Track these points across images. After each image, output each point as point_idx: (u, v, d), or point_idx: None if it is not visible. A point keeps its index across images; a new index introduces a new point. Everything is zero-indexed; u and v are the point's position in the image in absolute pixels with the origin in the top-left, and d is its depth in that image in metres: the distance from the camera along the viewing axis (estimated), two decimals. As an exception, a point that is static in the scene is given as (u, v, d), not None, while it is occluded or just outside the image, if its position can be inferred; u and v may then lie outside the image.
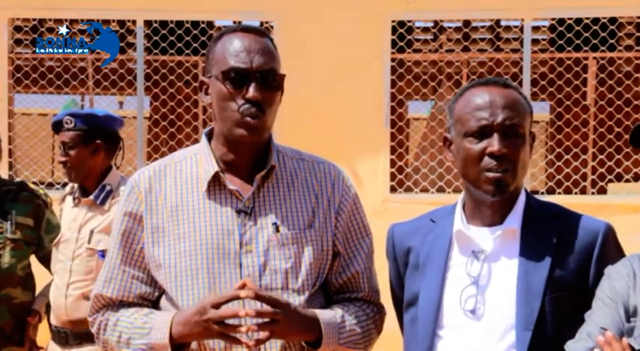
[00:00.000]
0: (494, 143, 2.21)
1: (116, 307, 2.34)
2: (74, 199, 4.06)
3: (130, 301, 2.33)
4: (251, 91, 2.24)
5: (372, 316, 2.39)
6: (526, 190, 2.35)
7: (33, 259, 4.13)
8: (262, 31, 2.35)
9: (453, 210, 2.36)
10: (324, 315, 2.28)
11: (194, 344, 2.25)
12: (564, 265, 2.22)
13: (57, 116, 4.07)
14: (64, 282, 3.93)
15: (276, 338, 2.19)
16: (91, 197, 3.97)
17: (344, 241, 2.37)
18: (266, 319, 2.15)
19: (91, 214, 3.96)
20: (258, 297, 2.14)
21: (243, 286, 2.14)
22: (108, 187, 3.97)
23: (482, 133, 2.24)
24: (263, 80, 2.26)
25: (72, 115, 3.99)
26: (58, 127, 4.02)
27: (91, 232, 3.92)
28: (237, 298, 2.14)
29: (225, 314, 2.14)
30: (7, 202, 3.96)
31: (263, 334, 2.15)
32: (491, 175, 2.22)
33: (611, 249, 2.27)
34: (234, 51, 2.27)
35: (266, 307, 2.15)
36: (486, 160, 2.23)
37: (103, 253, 3.82)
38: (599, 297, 2.15)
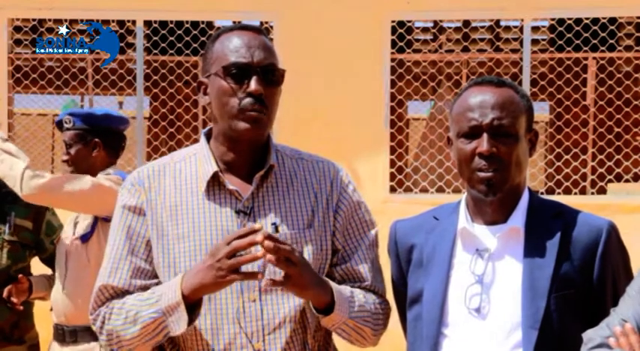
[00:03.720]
0: (482, 143, 2.24)
1: (121, 296, 2.30)
2: None
3: (135, 292, 2.29)
4: (252, 85, 2.23)
5: (379, 303, 2.36)
6: (529, 189, 2.36)
7: (35, 261, 4.13)
8: (259, 29, 2.35)
9: (457, 208, 2.37)
10: (335, 285, 2.24)
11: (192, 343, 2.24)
12: (569, 263, 2.23)
13: (59, 116, 4.10)
14: (62, 278, 3.95)
15: (290, 287, 2.11)
16: None
17: (343, 238, 2.35)
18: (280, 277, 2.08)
19: None
20: (269, 237, 2.06)
21: (253, 231, 2.07)
22: None
23: (473, 133, 2.26)
24: (264, 75, 2.25)
25: (71, 114, 4.03)
26: (60, 126, 4.06)
27: (76, 224, 3.94)
28: (253, 231, 2.06)
29: (241, 243, 2.05)
30: (6, 204, 3.96)
31: (279, 277, 2.09)
32: (481, 174, 2.24)
33: (614, 246, 2.28)
34: (234, 47, 2.27)
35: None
36: (477, 160, 2.25)
37: (83, 237, 3.84)
38: (627, 291, 2.17)
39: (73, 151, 4.00)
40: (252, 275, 2.09)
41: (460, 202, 2.37)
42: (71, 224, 4.00)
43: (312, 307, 2.22)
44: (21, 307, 3.87)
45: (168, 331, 2.19)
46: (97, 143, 3.99)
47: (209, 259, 2.11)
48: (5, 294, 3.84)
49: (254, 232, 2.06)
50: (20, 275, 3.88)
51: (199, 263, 2.15)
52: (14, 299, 3.85)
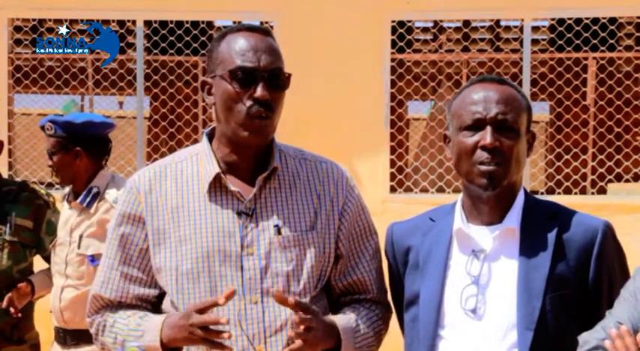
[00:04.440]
0: (486, 136, 2.23)
1: (114, 308, 2.33)
2: (68, 201, 4.05)
3: (129, 303, 2.32)
4: (259, 91, 2.22)
5: (382, 316, 2.39)
6: (525, 189, 2.36)
7: (36, 259, 4.12)
8: (266, 30, 2.33)
9: (453, 209, 2.37)
10: (341, 321, 2.27)
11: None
12: (564, 264, 2.23)
13: (41, 121, 4.04)
14: (59, 285, 3.94)
15: (306, 348, 2.14)
16: (78, 201, 3.96)
17: (348, 243, 2.35)
18: (300, 328, 2.12)
19: (80, 218, 3.94)
20: (298, 304, 2.12)
21: (231, 294, 2.11)
22: (94, 190, 3.95)
23: (476, 126, 2.26)
24: (270, 80, 2.24)
25: (52, 121, 3.97)
26: (43, 131, 4.02)
27: (80, 236, 3.91)
28: (216, 304, 2.11)
29: (207, 320, 2.11)
30: (7, 203, 3.95)
31: (297, 343, 2.12)
32: (483, 167, 2.24)
33: (610, 247, 2.28)
34: (240, 50, 2.25)
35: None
36: (479, 153, 2.24)
37: (92, 258, 3.83)
38: (622, 294, 2.18)
39: (55, 158, 3.97)
40: (220, 346, 2.12)
41: (456, 204, 2.37)
42: (66, 229, 3.96)
43: None
44: (19, 315, 3.86)
45: None
46: (78, 152, 3.94)
47: (183, 319, 2.15)
48: (4, 304, 3.82)
49: (216, 304, 2.10)
50: (19, 284, 3.87)
51: (176, 317, 2.19)
52: (12, 309, 3.83)
